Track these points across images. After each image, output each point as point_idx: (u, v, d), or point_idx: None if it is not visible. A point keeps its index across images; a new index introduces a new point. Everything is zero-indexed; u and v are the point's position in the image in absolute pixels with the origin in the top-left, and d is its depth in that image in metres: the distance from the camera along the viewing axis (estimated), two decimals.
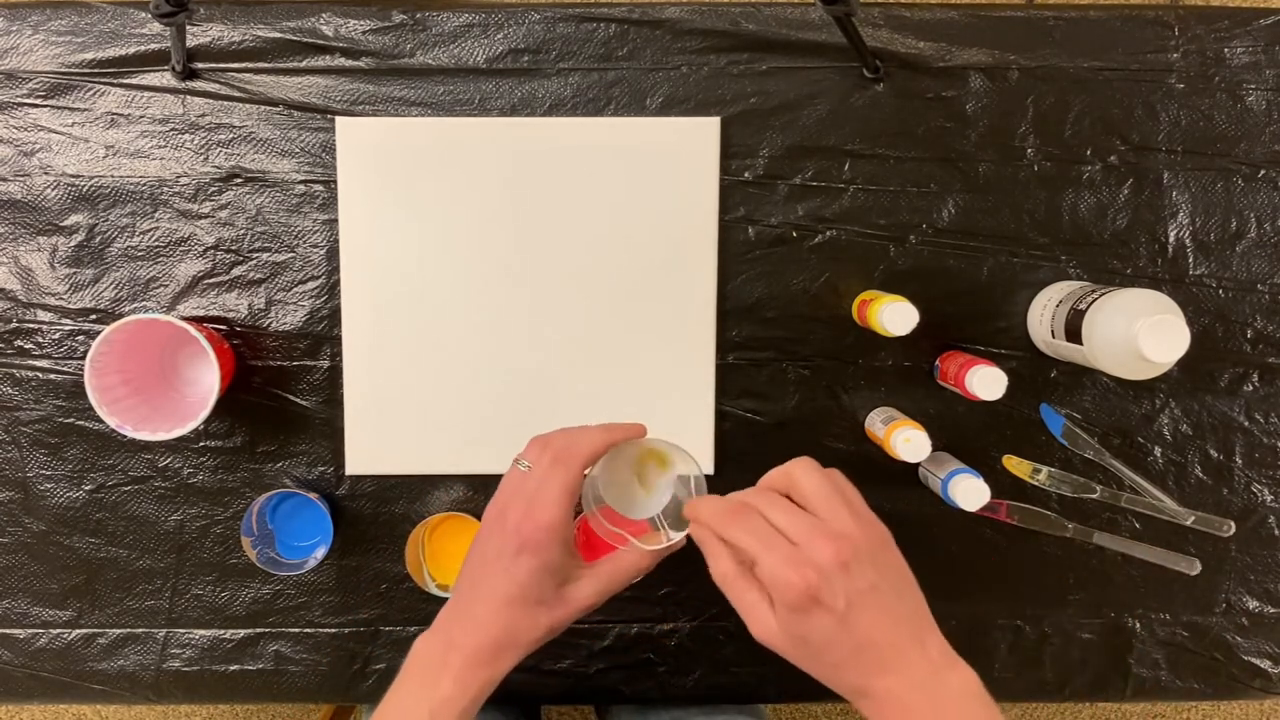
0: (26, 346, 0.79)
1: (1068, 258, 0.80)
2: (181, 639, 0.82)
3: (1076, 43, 0.79)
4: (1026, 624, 0.83)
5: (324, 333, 0.80)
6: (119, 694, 0.82)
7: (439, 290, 0.79)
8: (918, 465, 0.80)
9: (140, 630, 0.81)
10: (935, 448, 0.78)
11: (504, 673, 0.58)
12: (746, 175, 0.80)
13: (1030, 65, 0.79)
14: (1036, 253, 0.80)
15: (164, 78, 0.78)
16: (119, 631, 0.81)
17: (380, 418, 0.80)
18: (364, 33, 0.79)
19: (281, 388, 0.80)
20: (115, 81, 0.78)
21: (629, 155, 0.79)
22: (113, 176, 0.79)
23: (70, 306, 0.79)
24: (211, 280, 0.80)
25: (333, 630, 0.82)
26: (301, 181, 0.79)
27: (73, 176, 0.79)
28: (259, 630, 0.82)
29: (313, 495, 0.78)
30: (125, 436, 0.74)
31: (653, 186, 0.79)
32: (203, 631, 0.82)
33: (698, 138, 0.79)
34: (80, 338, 0.79)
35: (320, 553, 0.78)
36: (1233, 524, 0.81)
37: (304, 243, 0.80)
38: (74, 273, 0.79)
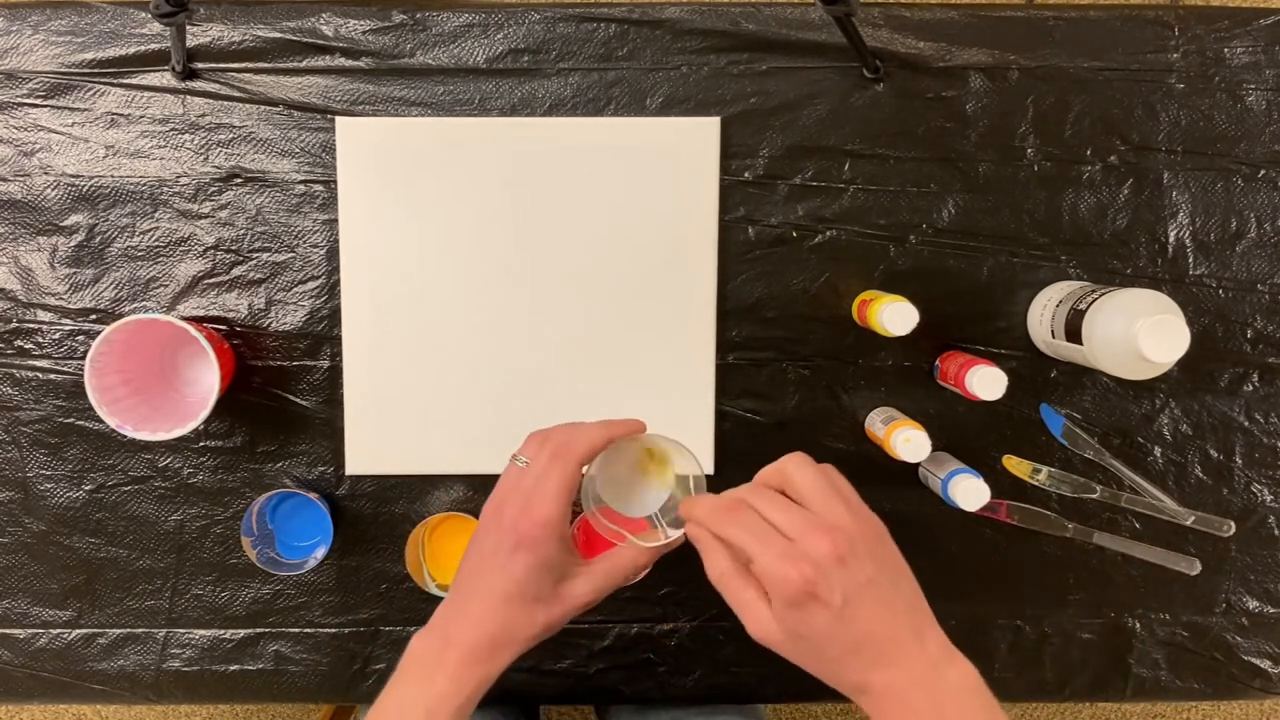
0: (26, 346, 0.79)
1: (1068, 258, 0.80)
2: (181, 639, 0.82)
3: (1076, 43, 0.79)
4: (1026, 624, 0.83)
5: (324, 333, 0.80)
6: (119, 694, 0.82)
7: (439, 290, 0.79)
8: (918, 465, 0.80)
9: (140, 630, 0.81)
10: (935, 448, 0.78)
11: (501, 670, 0.58)
12: (746, 175, 0.80)
13: (1030, 65, 0.79)
14: (1036, 253, 0.80)
15: (164, 78, 0.78)
16: (119, 631, 0.81)
17: (380, 418, 0.80)
18: (364, 33, 0.79)
19: (281, 388, 0.80)
20: (115, 81, 0.78)
21: (629, 155, 0.79)
22: (113, 176, 0.79)
23: (70, 306, 0.79)
24: (211, 280, 0.80)
25: (333, 630, 0.82)
26: (301, 181, 0.79)
27: (73, 176, 0.79)
28: (259, 630, 0.82)
29: (313, 495, 0.78)
30: (125, 436, 0.74)
31: (653, 186, 0.79)
32: (203, 631, 0.82)
33: (698, 138, 0.79)
34: (80, 338, 0.79)
35: (320, 553, 0.78)
36: (1233, 524, 0.81)
37: (304, 243, 0.80)
38: (74, 273, 0.79)
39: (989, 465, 0.81)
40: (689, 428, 0.80)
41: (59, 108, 0.78)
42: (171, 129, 0.79)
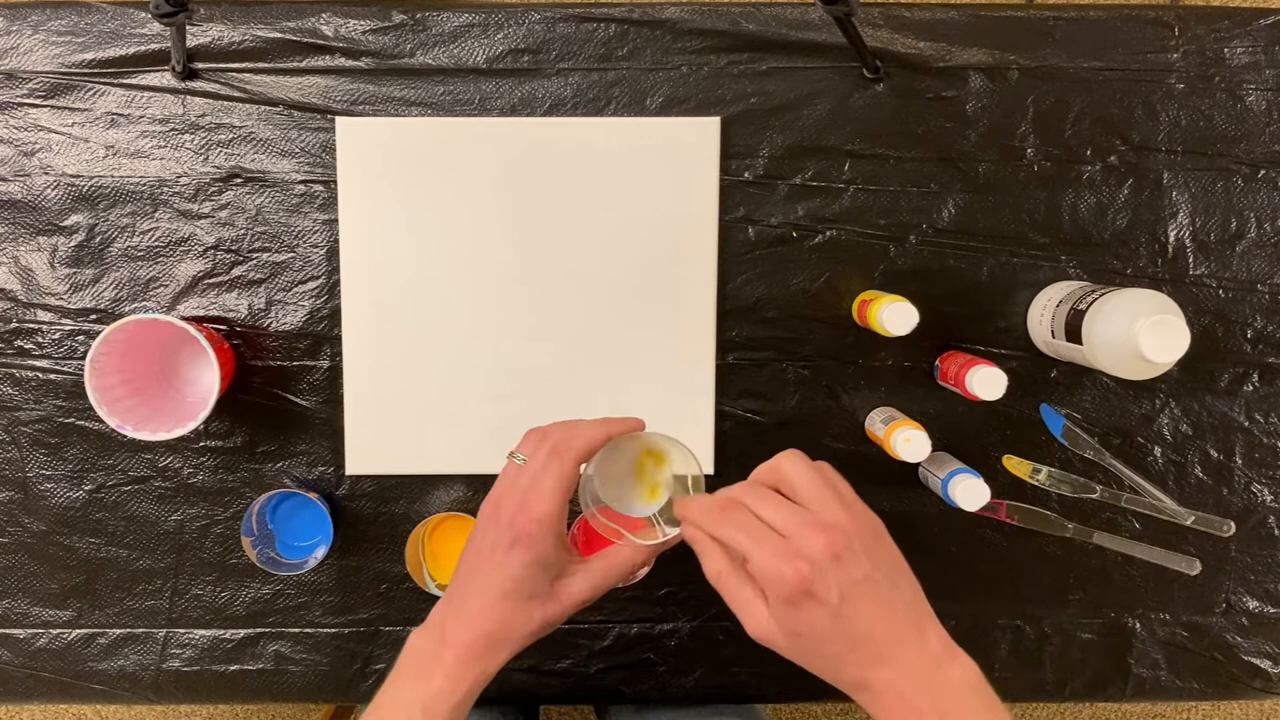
0: (26, 346, 0.79)
1: (1068, 258, 0.80)
2: (181, 639, 0.82)
3: (1076, 43, 0.79)
4: (1026, 624, 0.83)
5: (324, 333, 0.80)
6: (119, 694, 0.82)
7: (439, 290, 0.79)
8: (918, 465, 0.80)
9: (140, 630, 0.81)
10: (935, 448, 0.78)
11: (497, 668, 0.58)
12: (746, 175, 0.80)
13: (1030, 65, 0.79)
14: (1036, 253, 0.80)
15: (164, 78, 0.78)
16: (119, 631, 0.81)
17: (380, 418, 0.80)
18: (364, 33, 0.79)
19: (281, 388, 0.80)
20: (115, 81, 0.78)
21: (629, 155, 0.79)
22: (113, 176, 0.79)
23: (70, 306, 0.79)
24: (211, 280, 0.80)
25: (333, 630, 0.82)
26: (301, 181, 0.79)
27: (73, 176, 0.79)
28: (259, 630, 0.82)
29: (313, 495, 0.78)
30: (125, 436, 0.74)
31: (653, 186, 0.79)
32: (203, 631, 0.82)
33: (698, 138, 0.79)
34: (80, 338, 0.79)
35: (320, 553, 0.78)
36: (1233, 524, 0.81)
37: (304, 243, 0.80)
38: (74, 273, 0.79)
39: (989, 465, 0.81)
40: (689, 428, 0.80)
41: (59, 108, 0.78)
42: (171, 129, 0.79)
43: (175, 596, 0.81)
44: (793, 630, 0.51)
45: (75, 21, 0.78)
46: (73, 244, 0.79)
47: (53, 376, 0.79)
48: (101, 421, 0.73)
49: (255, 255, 0.79)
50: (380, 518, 0.81)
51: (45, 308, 0.79)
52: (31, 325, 0.79)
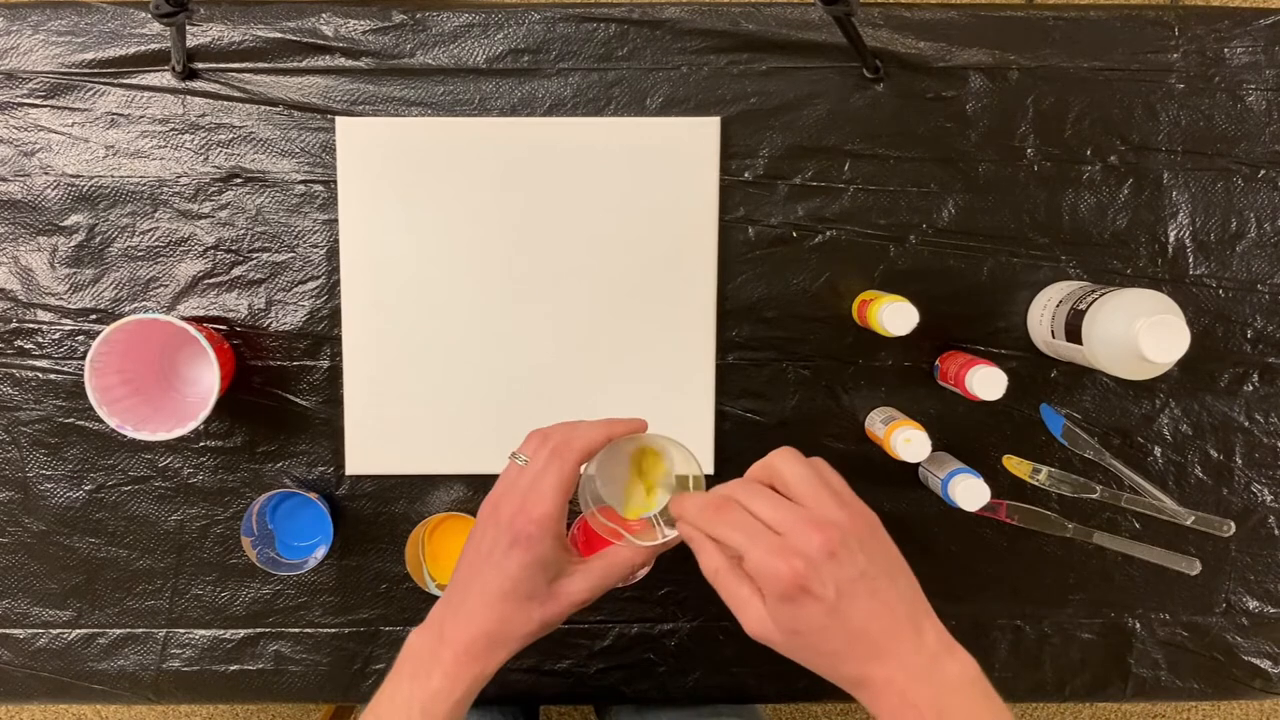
0: (26, 346, 0.79)
1: (1068, 258, 0.80)
2: (181, 639, 0.82)
3: (1076, 43, 0.79)
4: (1026, 624, 0.83)
5: (324, 333, 0.80)
6: (119, 694, 0.82)
7: (439, 290, 0.79)
8: (918, 465, 0.80)
9: (140, 630, 0.81)
10: (935, 448, 0.78)
11: (496, 667, 0.58)
12: (746, 175, 0.80)
13: (1030, 65, 0.79)
14: (1036, 253, 0.80)
15: (164, 78, 0.78)
16: (119, 631, 0.81)
17: (380, 418, 0.80)
18: (364, 33, 0.79)
19: (281, 388, 0.80)
20: (115, 81, 0.78)
21: (629, 155, 0.79)
22: (113, 176, 0.79)
23: (70, 306, 0.79)
24: (211, 280, 0.80)
25: (333, 630, 0.82)
26: (301, 181, 0.79)
27: (73, 176, 0.79)
28: (259, 630, 0.82)
29: (313, 495, 0.78)
30: (125, 436, 0.74)
31: (653, 186, 0.79)
32: (203, 631, 0.82)
33: (698, 138, 0.79)
34: (80, 338, 0.79)
35: (320, 553, 0.78)
36: (1233, 524, 0.81)
37: (304, 243, 0.80)
38: (74, 273, 0.79)
39: (989, 465, 0.81)
40: (689, 428, 0.80)
41: (59, 108, 0.78)
42: (171, 129, 0.79)
43: (175, 596, 0.81)
44: (790, 628, 0.51)
45: (75, 21, 0.78)
46: (73, 244, 0.79)
47: (53, 376, 0.79)
48: (101, 421, 0.73)
49: (255, 255, 0.79)
50: (380, 518, 0.81)
51: (45, 308, 0.79)
52: (31, 325, 0.79)
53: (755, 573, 0.51)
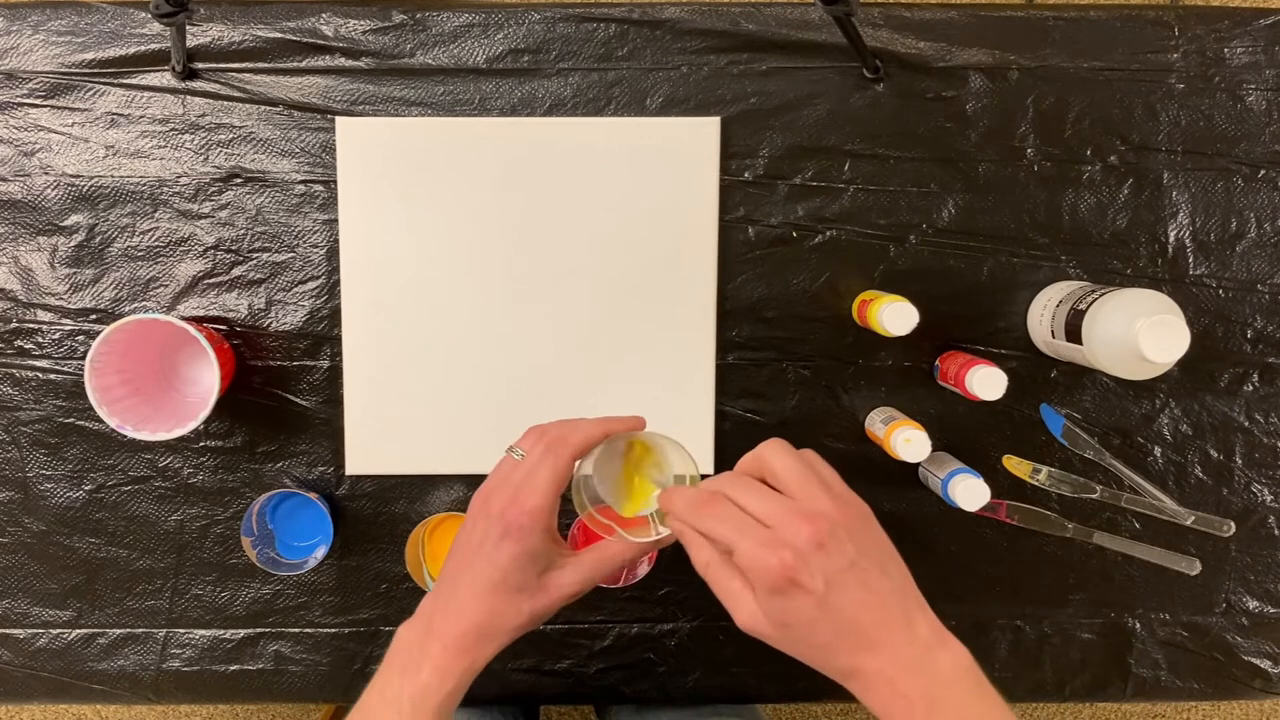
0: (26, 346, 0.79)
1: (1068, 258, 0.80)
2: (181, 639, 0.82)
3: (1076, 43, 0.79)
4: (1026, 624, 0.83)
5: (324, 333, 0.80)
6: (119, 694, 0.82)
7: (439, 290, 0.79)
8: (918, 465, 0.80)
9: (140, 630, 0.81)
10: (935, 448, 0.78)
11: (485, 661, 0.57)
12: (746, 175, 0.80)
13: (1030, 65, 0.79)
14: (1036, 253, 0.80)
15: (164, 78, 0.78)
16: (119, 631, 0.81)
17: (380, 418, 0.80)
18: (364, 33, 0.79)
19: (281, 388, 0.80)
20: (115, 81, 0.78)
21: (629, 155, 0.79)
22: (113, 176, 0.79)
23: (70, 306, 0.79)
24: (211, 280, 0.80)
25: (333, 630, 0.82)
26: (301, 181, 0.79)
27: (73, 176, 0.79)
28: (259, 630, 0.82)
29: (313, 495, 0.78)
30: (125, 436, 0.74)
31: (653, 186, 0.79)
32: (203, 631, 0.82)
33: (698, 138, 0.79)
34: (80, 338, 0.79)
35: (320, 553, 0.78)
36: (1233, 524, 0.81)
37: (304, 243, 0.80)
38: (74, 273, 0.79)
39: (989, 465, 0.81)
40: (689, 428, 0.80)
41: (59, 108, 0.78)
42: (171, 129, 0.79)
43: (175, 596, 0.81)
44: (780, 620, 0.50)
45: (75, 21, 0.78)
46: (73, 244, 0.79)
47: (53, 376, 0.79)
48: (101, 421, 0.73)
49: (255, 255, 0.79)
50: (380, 518, 0.81)
51: (45, 308, 0.79)
52: (31, 325, 0.79)
53: (744, 566, 0.50)
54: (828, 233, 0.80)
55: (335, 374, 0.80)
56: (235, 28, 0.78)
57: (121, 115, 0.78)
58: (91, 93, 0.78)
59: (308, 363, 0.80)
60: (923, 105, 0.79)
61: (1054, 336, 0.76)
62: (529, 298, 0.80)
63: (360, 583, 0.82)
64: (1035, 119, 0.80)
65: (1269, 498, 0.82)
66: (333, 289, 0.80)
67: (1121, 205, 0.80)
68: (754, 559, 0.49)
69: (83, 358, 0.75)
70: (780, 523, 0.50)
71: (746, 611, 0.51)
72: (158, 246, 0.79)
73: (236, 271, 0.79)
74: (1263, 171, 0.80)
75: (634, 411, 0.62)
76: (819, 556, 0.49)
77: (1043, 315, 0.78)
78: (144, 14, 0.78)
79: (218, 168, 0.79)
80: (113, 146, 0.79)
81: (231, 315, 0.80)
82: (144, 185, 0.79)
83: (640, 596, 0.82)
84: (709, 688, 0.83)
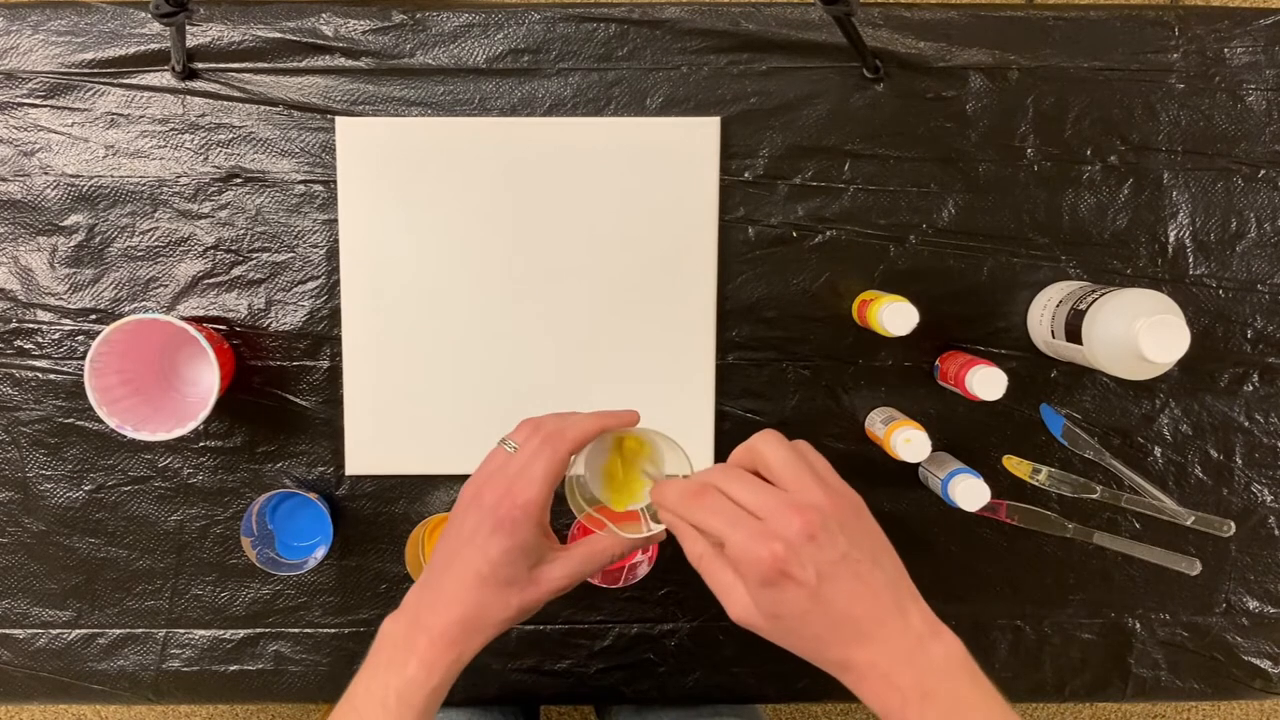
0: (26, 346, 0.79)
1: (1068, 258, 0.80)
2: (181, 639, 0.82)
3: (1076, 43, 0.79)
4: (1026, 624, 0.83)
5: (324, 333, 0.80)
6: (119, 694, 0.82)
7: (439, 290, 0.79)
8: (918, 465, 0.80)
9: (140, 630, 0.81)
10: (935, 448, 0.78)
11: (472, 654, 0.57)
12: (746, 175, 0.80)
13: (1030, 65, 0.79)
14: (1036, 253, 0.80)
15: (164, 78, 0.78)
16: (119, 631, 0.81)
17: (380, 418, 0.80)
18: (364, 33, 0.79)
19: (281, 388, 0.80)
20: (115, 81, 0.78)
21: (629, 155, 0.79)
22: (113, 176, 0.79)
23: (70, 306, 0.79)
24: (211, 280, 0.80)
25: (333, 630, 0.82)
26: (301, 181, 0.79)
27: (73, 176, 0.79)
28: (259, 630, 0.82)
29: (313, 495, 0.78)
30: (125, 436, 0.74)
31: (653, 186, 0.79)
32: (203, 631, 0.82)
33: (698, 138, 0.79)
34: (80, 338, 0.79)
35: (320, 553, 0.78)
36: (1233, 524, 0.81)
37: (304, 243, 0.80)
38: (74, 273, 0.79)
39: (989, 465, 0.81)
40: (689, 427, 0.80)
41: (59, 108, 0.78)
42: (171, 129, 0.79)
43: (175, 596, 0.81)
44: (772, 613, 0.50)
45: (75, 21, 0.78)
46: (73, 244, 0.79)
47: (53, 376, 0.79)
48: (101, 421, 0.73)
49: (255, 255, 0.79)
50: (380, 518, 0.81)
51: (45, 308, 0.79)
52: (31, 325, 0.79)
53: (735, 558, 0.50)
54: (828, 233, 0.80)
55: (335, 374, 0.80)
56: (235, 28, 0.78)
57: (121, 115, 0.78)
58: (91, 93, 0.78)
59: (307, 363, 0.80)
60: (923, 105, 0.79)
61: (1054, 336, 0.76)
62: (529, 297, 0.80)
63: (360, 583, 0.82)
64: (1035, 119, 0.80)
65: (1269, 498, 0.82)
66: (333, 289, 0.80)
67: (1121, 205, 0.80)
68: (745, 551, 0.49)
69: (83, 358, 0.75)
70: (771, 514, 0.50)
71: (739, 603, 0.51)
72: (157, 246, 0.79)
73: (236, 271, 0.79)
74: (1263, 171, 0.80)
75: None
76: (810, 548, 0.49)
77: (1043, 315, 0.78)
78: (144, 14, 0.78)
79: (217, 168, 0.79)
80: (112, 146, 0.79)
81: (231, 315, 0.80)
82: (144, 185, 0.79)
83: (640, 597, 0.82)
84: (709, 688, 0.83)
